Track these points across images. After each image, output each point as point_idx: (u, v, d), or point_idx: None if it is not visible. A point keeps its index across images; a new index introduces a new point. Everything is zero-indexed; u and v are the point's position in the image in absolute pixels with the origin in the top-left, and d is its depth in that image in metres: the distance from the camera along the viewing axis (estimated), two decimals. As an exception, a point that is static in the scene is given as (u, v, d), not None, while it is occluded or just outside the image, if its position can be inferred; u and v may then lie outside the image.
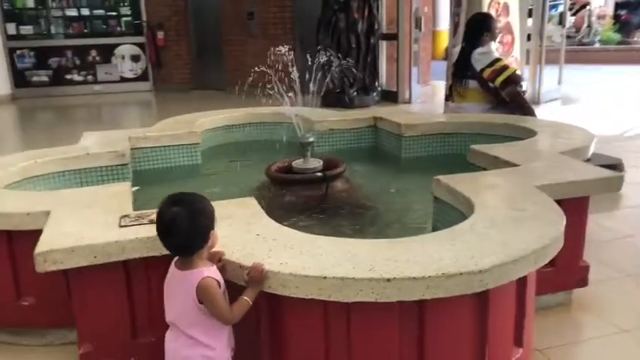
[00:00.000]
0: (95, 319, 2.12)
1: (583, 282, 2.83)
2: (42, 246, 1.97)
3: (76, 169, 3.36)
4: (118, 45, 11.53)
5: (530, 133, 3.63)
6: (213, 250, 1.86)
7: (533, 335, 2.31)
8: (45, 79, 11.26)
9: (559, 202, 2.51)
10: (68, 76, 11.39)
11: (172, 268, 1.80)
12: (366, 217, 3.22)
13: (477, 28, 4.57)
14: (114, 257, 2.01)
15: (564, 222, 2.09)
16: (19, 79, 11.06)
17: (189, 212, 1.72)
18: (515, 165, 2.89)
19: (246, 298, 1.77)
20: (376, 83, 9.55)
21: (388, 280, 1.68)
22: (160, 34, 11.43)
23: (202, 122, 4.38)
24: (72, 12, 11.31)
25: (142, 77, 11.76)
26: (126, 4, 11.54)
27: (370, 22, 9.09)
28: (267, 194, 3.38)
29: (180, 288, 1.76)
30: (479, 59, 4.49)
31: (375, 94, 9.37)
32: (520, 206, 2.25)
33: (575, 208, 2.63)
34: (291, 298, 1.77)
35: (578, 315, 2.80)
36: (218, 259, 1.86)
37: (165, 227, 1.73)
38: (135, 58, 11.68)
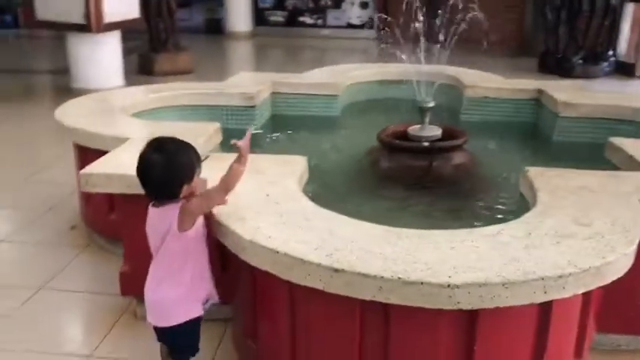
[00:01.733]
0: (136, 243, 2.29)
1: None
2: (88, 168, 2.18)
3: (207, 104, 3.59)
4: (349, -9, 11.83)
5: None
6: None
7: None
8: (280, 19, 12.11)
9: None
10: (301, 19, 12.09)
11: (150, 209, 1.81)
12: (465, 201, 2.88)
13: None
14: (143, 190, 2.13)
15: (627, 252, 1.61)
16: (259, 17, 12.08)
17: (166, 161, 1.70)
18: (647, 169, 2.28)
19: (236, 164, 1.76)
20: (611, 52, 8.26)
21: (336, 270, 1.50)
22: (390, -18, 11.35)
23: (355, 74, 4.30)
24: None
25: (368, 25, 11.91)
26: (364, -50, 11.73)
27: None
28: (374, 158, 3.23)
29: (160, 222, 1.76)
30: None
31: (606, 64, 8.11)
32: (587, 220, 1.78)
33: None
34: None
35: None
36: None
37: (142, 173, 1.74)
38: (363, 5, 11.87)
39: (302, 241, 1.63)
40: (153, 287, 1.80)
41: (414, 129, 3.19)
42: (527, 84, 3.99)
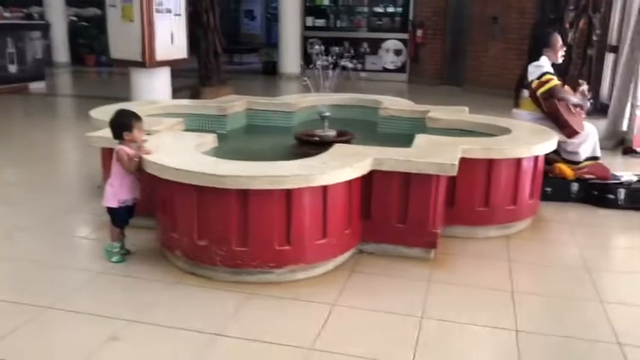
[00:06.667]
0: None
1: (430, 244, 3.61)
2: (90, 133, 3.99)
3: (196, 113, 5.37)
4: (385, 40, 13.64)
5: (506, 132, 4.30)
6: (143, 147, 3.54)
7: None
8: (325, 63, 14.02)
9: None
10: (343, 63, 13.93)
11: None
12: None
13: (537, 43, 5.02)
14: (119, 145, 3.90)
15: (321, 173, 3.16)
16: (308, 61, 14.08)
17: (114, 118, 3.47)
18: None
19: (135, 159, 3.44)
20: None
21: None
22: (420, 32, 13.00)
23: (304, 100, 5.97)
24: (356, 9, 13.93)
25: (401, 69, 13.62)
26: (399, 4, 13.58)
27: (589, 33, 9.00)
28: (290, 147, 4.88)
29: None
30: (532, 72, 4.97)
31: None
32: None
33: (421, 182, 3.50)
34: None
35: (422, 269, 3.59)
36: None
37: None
38: (397, 53, 13.60)
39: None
40: (109, 184, 3.53)
41: (318, 131, 4.82)
42: (422, 108, 5.48)
